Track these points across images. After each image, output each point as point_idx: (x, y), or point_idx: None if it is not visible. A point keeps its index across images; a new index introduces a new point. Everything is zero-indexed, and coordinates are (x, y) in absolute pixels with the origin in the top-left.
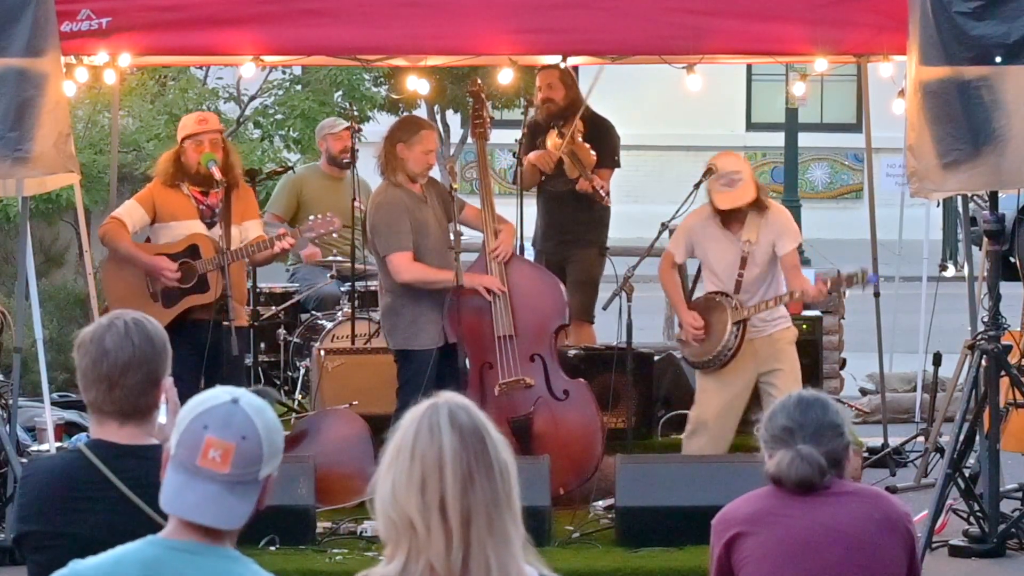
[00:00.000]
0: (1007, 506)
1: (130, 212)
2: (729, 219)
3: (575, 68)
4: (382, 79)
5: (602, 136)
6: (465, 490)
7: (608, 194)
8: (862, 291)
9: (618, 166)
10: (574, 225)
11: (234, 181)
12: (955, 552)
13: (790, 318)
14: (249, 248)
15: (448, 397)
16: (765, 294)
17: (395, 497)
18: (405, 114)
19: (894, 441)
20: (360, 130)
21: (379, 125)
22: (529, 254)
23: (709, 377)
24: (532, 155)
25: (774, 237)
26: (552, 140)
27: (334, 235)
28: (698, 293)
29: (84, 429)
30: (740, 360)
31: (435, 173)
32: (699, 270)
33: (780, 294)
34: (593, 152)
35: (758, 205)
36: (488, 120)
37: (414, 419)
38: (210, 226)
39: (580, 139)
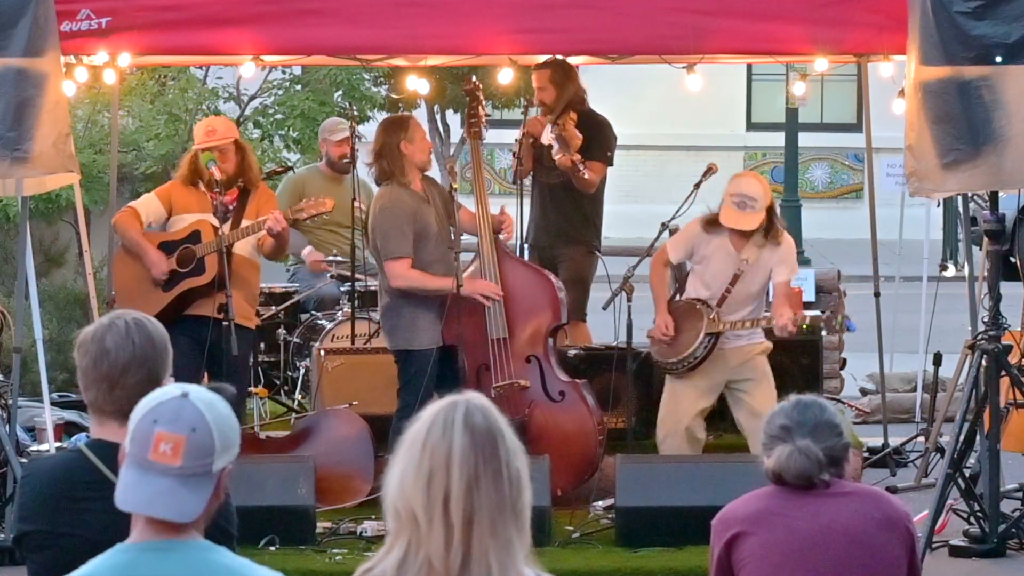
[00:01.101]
0: (1007, 506)
1: (146, 204)
2: (736, 235)
3: (575, 67)
4: (382, 79)
5: (593, 129)
6: (470, 491)
7: (590, 180)
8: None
9: (610, 163)
10: (564, 222)
11: (251, 182)
12: (955, 552)
13: (764, 335)
14: (244, 231)
15: (470, 397)
16: (747, 315)
17: (402, 488)
18: (387, 117)
19: (894, 441)
20: (361, 138)
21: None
22: (525, 254)
23: (675, 380)
24: (527, 123)
25: (773, 264)
26: (546, 133)
27: (324, 216)
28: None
29: (84, 429)
30: (707, 364)
31: (435, 173)
32: (687, 274)
33: (760, 317)
34: (580, 135)
35: (769, 232)
36: (483, 119)
37: (432, 414)
38: (222, 221)
39: (571, 126)
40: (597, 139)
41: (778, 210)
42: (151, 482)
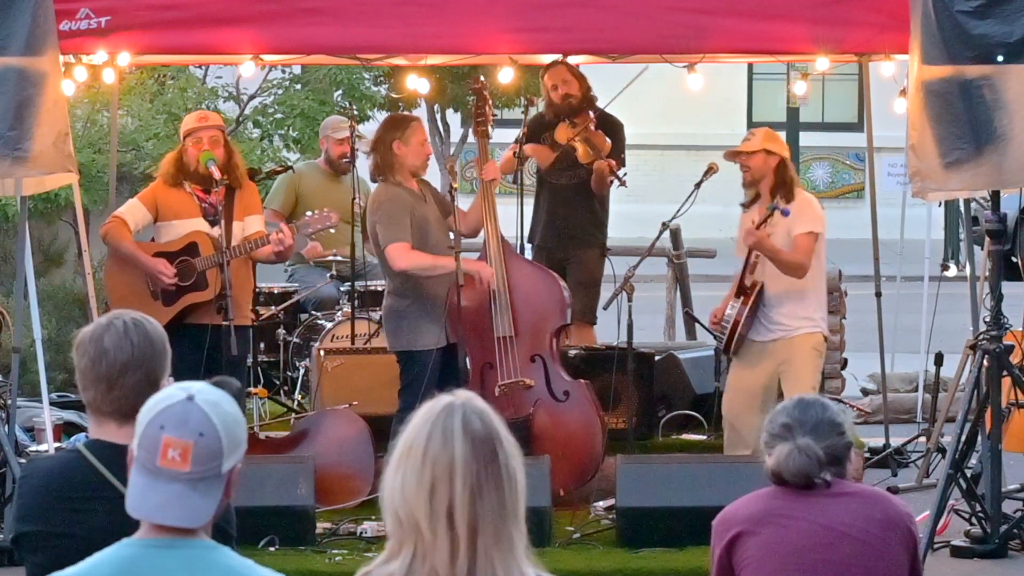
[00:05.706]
0: (1009, 507)
1: (132, 211)
2: (757, 199)
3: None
4: (382, 78)
5: (612, 132)
6: (473, 500)
7: (609, 185)
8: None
9: (623, 165)
10: (576, 223)
11: (237, 181)
12: (957, 553)
13: (821, 323)
14: (247, 245)
15: (465, 399)
16: (784, 285)
17: (404, 497)
18: (392, 114)
19: (896, 441)
20: (362, 137)
21: (379, 125)
22: (527, 253)
23: (735, 367)
24: (530, 147)
25: (791, 222)
26: (563, 132)
27: (331, 230)
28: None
29: (83, 429)
30: (759, 358)
31: (435, 173)
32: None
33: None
34: (608, 140)
35: (780, 191)
36: (491, 118)
37: (428, 419)
38: (213, 224)
39: (594, 128)
40: (615, 143)
41: (793, 170)
42: (161, 488)
